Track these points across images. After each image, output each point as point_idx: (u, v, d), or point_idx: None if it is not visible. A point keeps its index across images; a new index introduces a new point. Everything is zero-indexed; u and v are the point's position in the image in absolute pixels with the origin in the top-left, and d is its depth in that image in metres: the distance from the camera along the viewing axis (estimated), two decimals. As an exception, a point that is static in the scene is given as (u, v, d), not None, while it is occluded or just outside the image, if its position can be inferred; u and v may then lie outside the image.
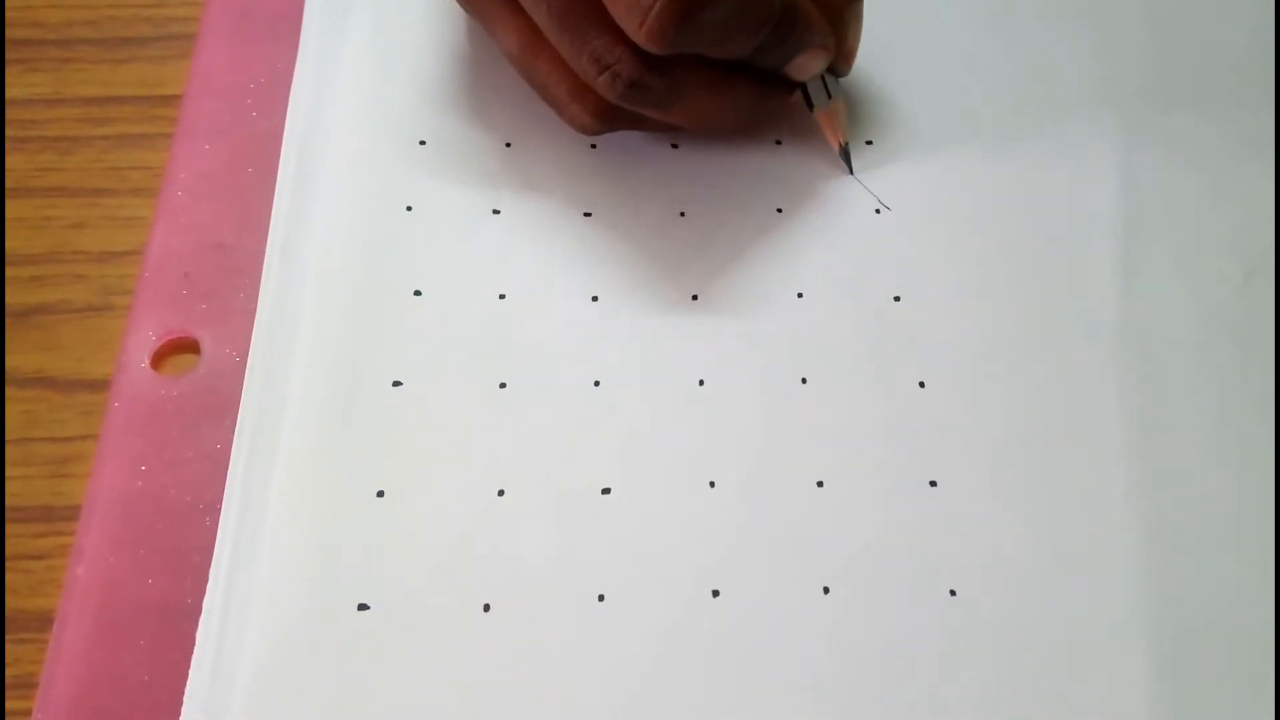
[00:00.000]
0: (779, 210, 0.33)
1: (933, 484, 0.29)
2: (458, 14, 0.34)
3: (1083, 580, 0.28)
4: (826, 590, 0.27)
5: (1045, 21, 0.36)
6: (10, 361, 0.31)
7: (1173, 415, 0.30)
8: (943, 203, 0.33)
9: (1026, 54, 0.36)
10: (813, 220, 0.33)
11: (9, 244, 0.33)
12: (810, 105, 0.32)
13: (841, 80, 0.33)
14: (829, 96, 0.32)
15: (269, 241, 0.31)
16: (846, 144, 0.33)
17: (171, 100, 0.35)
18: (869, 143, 0.34)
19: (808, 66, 0.31)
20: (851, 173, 0.33)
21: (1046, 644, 0.27)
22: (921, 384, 0.30)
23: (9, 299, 0.32)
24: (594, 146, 0.33)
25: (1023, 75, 0.36)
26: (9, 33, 0.36)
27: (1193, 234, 0.33)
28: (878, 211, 0.33)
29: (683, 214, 0.32)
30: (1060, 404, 0.30)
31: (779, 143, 0.34)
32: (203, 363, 0.30)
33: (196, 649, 0.26)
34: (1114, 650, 0.27)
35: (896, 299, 0.31)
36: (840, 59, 0.32)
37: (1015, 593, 0.27)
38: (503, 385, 0.29)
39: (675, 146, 0.34)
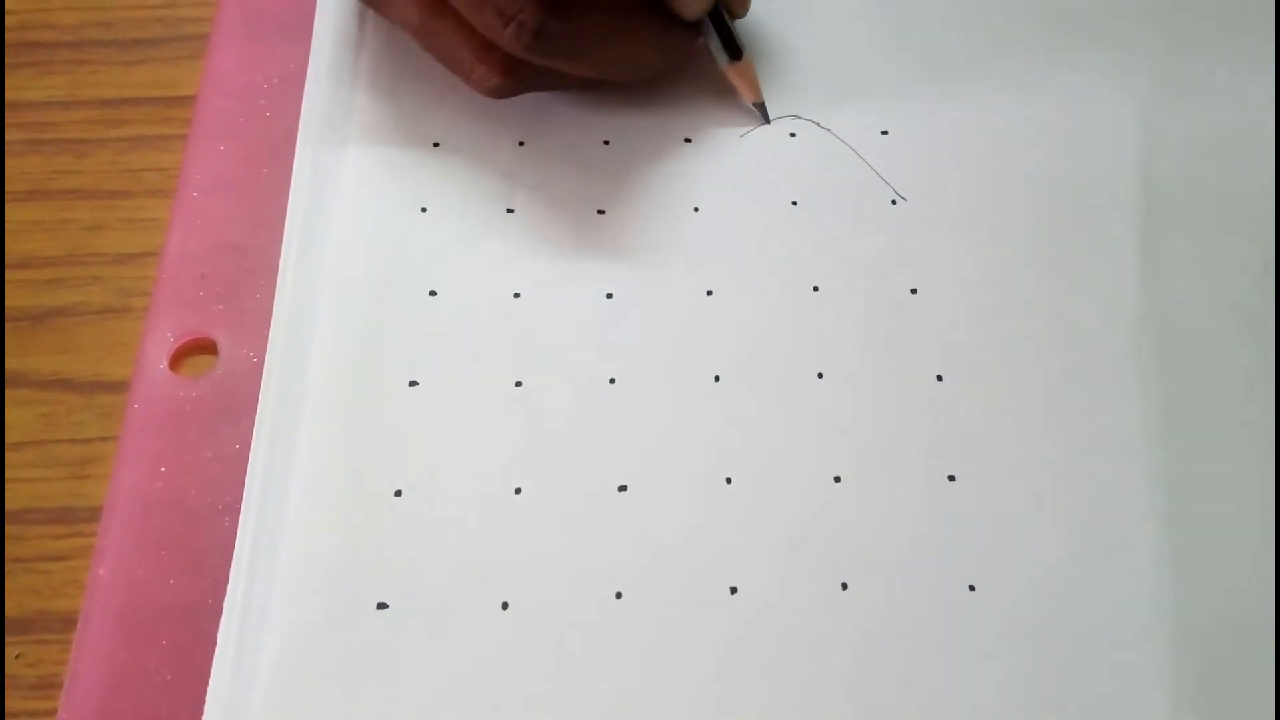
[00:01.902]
0: (794, 203, 0.33)
1: (951, 478, 0.29)
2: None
3: (1103, 574, 0.28)
4: (845, 586, 0.27)
5: (1061, 7, 0.36)
6: (29, 364, 0.31)
7: (1193, 407, 0.30)
8: (959, 193, 0.33)
9: (1041, 40, 0.36)
10: (829, 213, 0.33)
11: (27, 247, 0.33)
12: (721, 61, 0.33)
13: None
14: (740, 50, 0.33)
15: (284, 242, 0.31)
16: (761, 102, 0.34)
17: (185, 101, 0.35)
18: (884, 133, 0.34)
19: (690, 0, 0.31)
20: (768, 121, 0.34)
21: (1066, 639, 0.27)
22: (939, 377, 0.30)
23: (28, 301, 0.32)
24: (607, 143, 0.33)
25: (1038, 62, 0.35)
26: (23, 35, 0.36)
27: (1212, 224, 0.32)
28: (894, 203, 0.33)
29: (696, 209, 0.32)
30: (1079, 397, 0.30)
31: (793, 135, 0.34)
32: (220, 363, 0.30)
33: (218, 649, 0.26)
34: (1135, 644, 0.27)
35: (913, 291, 0.31)
36: (734, 1, 0.33)
37: (1035, 587, 0.27)
38: (518, 384, 0.30)
39: (688, 141, 0.34)
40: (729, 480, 0.28)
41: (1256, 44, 0.35)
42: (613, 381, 0.30)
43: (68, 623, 0.28)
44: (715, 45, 0.33)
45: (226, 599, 0.27)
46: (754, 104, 0.34)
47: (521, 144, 0.33)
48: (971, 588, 0.27)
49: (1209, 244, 0.32)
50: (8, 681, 0.27)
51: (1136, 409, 0.29)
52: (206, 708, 0.26)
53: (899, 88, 0.35)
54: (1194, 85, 0.35)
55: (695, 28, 0.32)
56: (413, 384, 0.29)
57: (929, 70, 0.35)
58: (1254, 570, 0.28)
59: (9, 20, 0.37)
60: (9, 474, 0.30)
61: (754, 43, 0.35)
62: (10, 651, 0.28)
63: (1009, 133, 0.34)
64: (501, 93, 0.31)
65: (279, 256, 0.31)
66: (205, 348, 0.31)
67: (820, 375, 0.30)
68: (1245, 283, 0.31)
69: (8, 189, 0.34)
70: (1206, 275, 0.31)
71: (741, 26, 0.34)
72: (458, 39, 0.30)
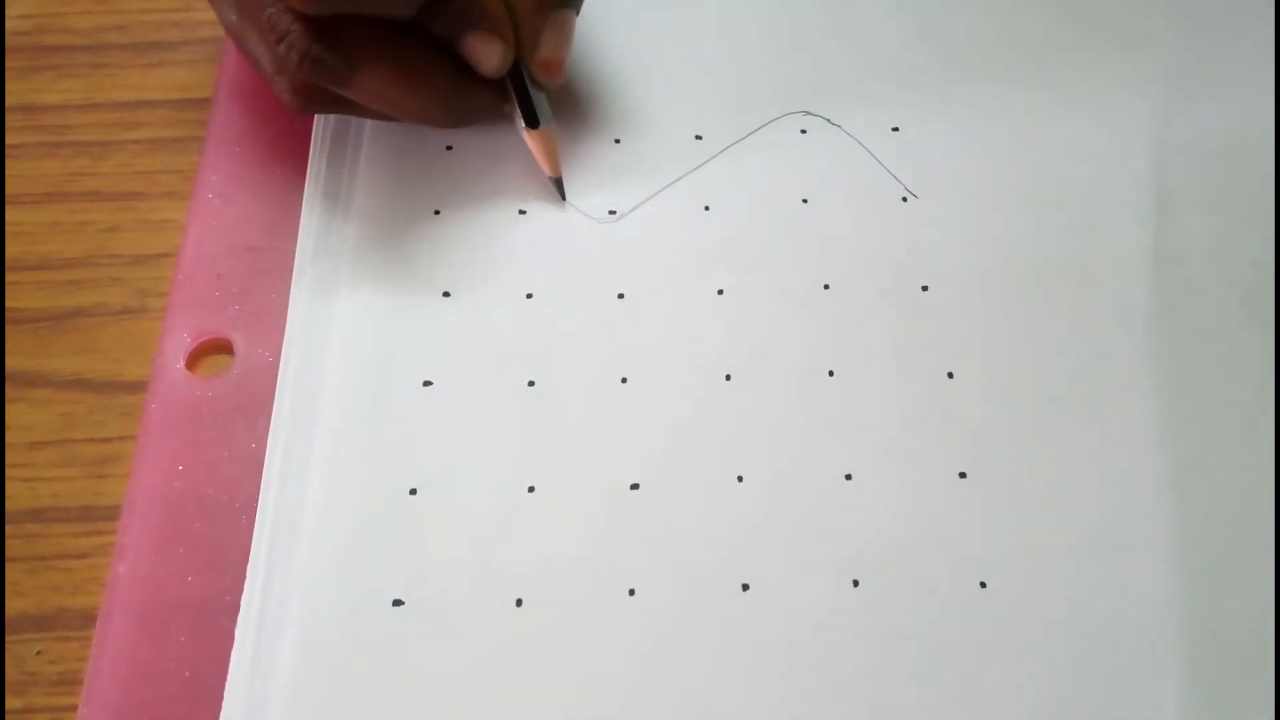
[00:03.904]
0: (804, 201, 0.33)
1: (962, 475, 0.29)
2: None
3: (1114, 571, 0.28)
4: (856, 583, 0.27)
5: (1073, 4, 0.36)
6: (48, 364, 0.32)
7: (1205, 403, 0.30)
8: (970, 190, 0.33)
9: (1054, 38, 0.36)
10: (839, 210, 0.33)
11: (45, 248, 0.33)
12: (518, 125, 0.32)
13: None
14: (536, 119, 0.31)
15: (299, 243, 0.32)
16: (559, 178, 0.32)
17: (201, 104, 0.35)
18: (895, 130, 0.34)
19: (481, 53, 0.30)
20: (563, 199, 0.32)
21: (1077, 636, 0.27)
22: (950, 374, 0.30)
23: (47, 302, 0.32)
24: (618, 142, 0.34)
25: (1050, 59, 0.35)
26: (41, 39, 0.37)
27: (1223, 220, 0.32)
28: (905, 200, 0.33)
29: (707, 208, 0.33)
30: (1091, 393, 0.30)
31: (804, 132, 0.34)
32: (237, 363, 0.31)
33: (236, 644, 0.27)
34: (1145, 641, 0.27)
35: (924, 288, 0.31)
36: (538, 68, 0.31)
37: (1046, 584, 0.27)
38: (531, 383, 0.30)
39: (699, 138, 0.34)
40: (740, 478, 0.29)
41: (1267, 41, 0.35)
42: (625, 381, 0.30)
43: (88, 619, 0.28)
44: (514, 107, 0.31)
45: (244, 595, 0.27)
46: (550, 179, 0.32)
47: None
48: (982, 584, 0.27)
49: (1219, 239, 0.32)
50: (31, 678, 0.27)
51: (1147, 406, 0.29)
52: (225, 702, 0.26)
53: (910, 84, 0.35)
54: (1206, 82, 0.35)
55: (493, 82, 0.31)
56: (427, 384, 0.30)
57: (940, 67, 0.35)
58: (1264, 568, 0.28)
59: (27, 24, 0.37)
60: (30, 473, 0.30)
61: (762, 37, 0.35)
62: (31, 648, 0.28)
63: (1020, 130, 0.34)
64: (298, 108, 0.30)
65: (294, 257, 0.32)
66: (222, 348, 0.31)
67: (831, 373, 0.30)
68: (1256, 278, 0.31)
69: (26, 191, 0.34)
70: (1217, 271, 0.31)
71: (746, 20, 0.33)
72: (260, 48, 0.29)
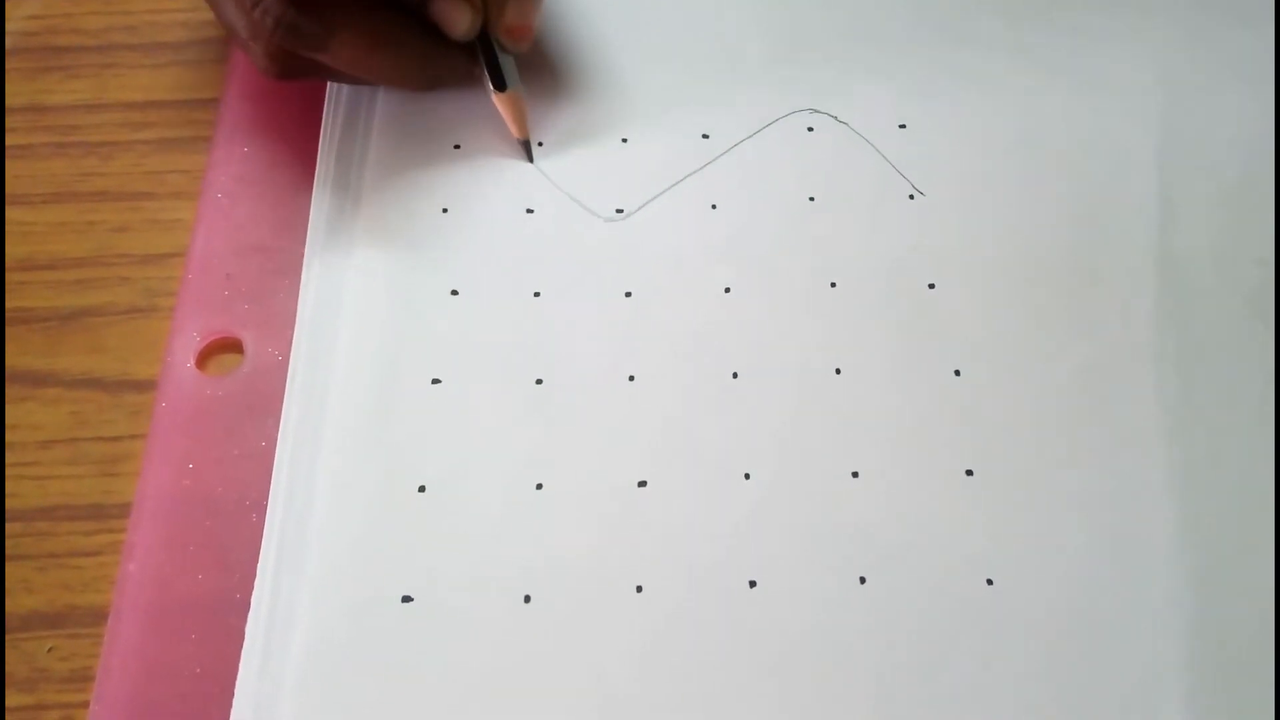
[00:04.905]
0: (811, 199, 0.33)
1: (969, 473, 0.29)
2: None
3: (1120, 568, 0.28)
4: (863, 580, 0.27)
5: (1084, 6, 0.36)
6: (58, 363, 0.32)
7: (1211, 400, 0.30)
8: (977, 188, 0.33)
9: (1059, 36, 0.36)
10: (846, 208, 0.33)
11: (55, 248, 0.33)
12: (487, 88, 0.32)
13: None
14: (503, 82, 0.32)
15: (308, 242, 0.32)
16: (526, 140, 0.33)
17: (209, 104, 0.35)
18: (902, 127, 0.34)
19: (450, 17, 0.31)
20: (530, 160, 0.33)
21: (1083, 633, 0.27)
22: (957, 372, 0.30)
23: (56, 302, 0.33)
24: (625, 141, 0.34)
25: (1057, 55, 0.35)
26: (50, 40, 0.37)
27: (1228, 217, 0.32)
28: (912, 197, 0.33)
29: (714, 206, 0.33)
30: (1096, 391, 0.30)
31: (811, 130, 0.34)
32: (246, 362, 0.31)
33: (246, 642, 0.27)
34: (1151, 639, 0.27)
35: (931, 286, 0.31)
36: (504, 33, 0.32)
37: (1051, 581, 0.27)
38: (539, 381, 0.30)
39: (706, 137, 0.34)
40: (747, 476, 0.29)
41: (1273, 39, 0.35)
42: (632, 379, 0.30)
43: (99, 617, 0.28)
44: (483, 71, 0.32)
45: (254, 593, 0.27)
46: (519, 140, 0.33)
47: (540, 144, 0.33)
48: (989, 582, 0.28)
49: (1225, 237, 0.32)
50: (42, 675, 0.28)
51: (1153, 403, 0.30)
52: (235, 699, 0.26)
53: (917, 82, 0.35)
54: (1212, 81, 0.35)
55: (464, 48, 0.32)
56: (435, 382, 0.30)
57: (947, 65, 0.35)
58: (1270, 566, 0.28)
59: (35, 25, 0.37)
60: (40, 472, 0.30)
61: (769, 36, 0.36)
62: (43, 645, 0.28)
63: (1027, 128, 0.34)
64: (273, 75, 0.31)
65: (303, 257, 0.32)
66: (231, 346, 0.31)
67: (838, 371, 0.30)
68: (1261, 276, 0.31)
69: (35, 191, 0.34)
70: (1222, 269, 0.31)
71: (753, 18, 0.33)
72: (236, 14, 0.30)
